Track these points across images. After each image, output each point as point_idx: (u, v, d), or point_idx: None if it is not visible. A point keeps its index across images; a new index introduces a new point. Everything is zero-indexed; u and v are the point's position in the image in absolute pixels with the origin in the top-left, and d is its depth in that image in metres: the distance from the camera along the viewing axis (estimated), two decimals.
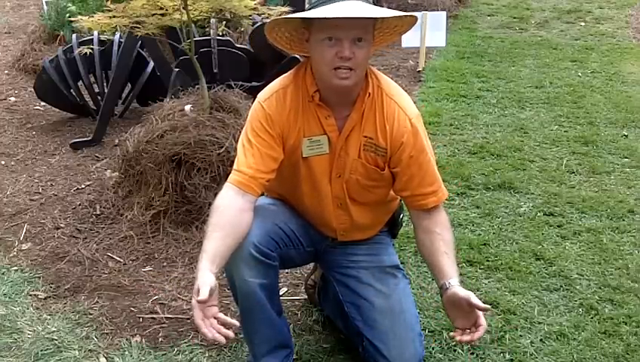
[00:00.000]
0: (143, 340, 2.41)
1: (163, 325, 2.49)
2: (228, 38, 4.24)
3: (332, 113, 2.01)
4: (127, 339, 2.41)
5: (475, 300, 1.87)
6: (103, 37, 4.32)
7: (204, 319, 1.77)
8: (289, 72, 2.05)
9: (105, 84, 4.38)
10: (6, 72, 5.56)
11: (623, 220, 3.16)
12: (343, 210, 2.12)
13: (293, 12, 2.07)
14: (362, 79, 1.98)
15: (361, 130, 2.01)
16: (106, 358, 2.33)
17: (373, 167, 2.04)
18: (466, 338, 1.90)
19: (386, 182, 2.10)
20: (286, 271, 2.68)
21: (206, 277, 1.79)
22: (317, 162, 2.05)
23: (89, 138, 4.12)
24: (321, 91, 1.98)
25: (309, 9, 1.89)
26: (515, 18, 7.12)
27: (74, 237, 3.09)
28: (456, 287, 1.94)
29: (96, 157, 3.95)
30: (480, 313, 1.88)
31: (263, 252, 1.99)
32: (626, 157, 3.83)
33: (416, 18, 1.97)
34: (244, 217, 1.96)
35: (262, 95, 2.05)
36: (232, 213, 1.94)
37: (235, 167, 2.00)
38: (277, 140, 2.00)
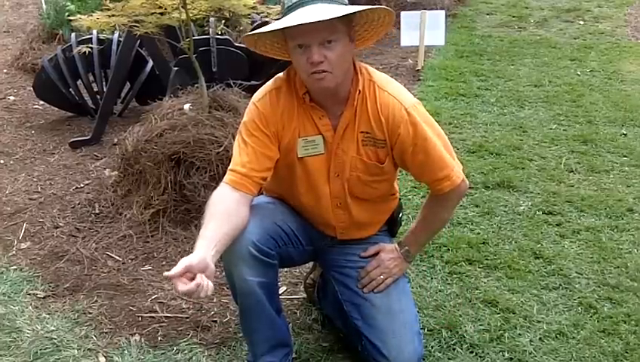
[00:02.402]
0: (142, 339, 2.41)
1: (162, 324, 2.49)
2: (227, 37, 4.24)
3: (326, 113, 2.01)
4: (126, 338, 2.41)
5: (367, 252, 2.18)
6: (102, 36, 4.32)
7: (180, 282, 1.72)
8: (282, 73, 2.06)
9: (104, 83, 4.38)
10: (5, 70, 5.56)
11: (622, 219, 3.16)
12: (342, 208, 2.12)
13: None
14: (347, 78, 1.97)
15: (355, 127, 2.01)
16: (105, 357, 2.33)
17: (373, 162, 2.04)
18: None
19: (387, 176, 2.10)
20: (285, 270, 2.68)
21: (192, 255, 1.76)
22: (313, 162, 2.05)
23: (88, 137, 4.11)
24: (310, 93, 1.99)
25: (281, 19, 1.90)
26: (514, 17, 7.11)
27: (73, 236, 3.09)
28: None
29: (96, 156, 3.95)
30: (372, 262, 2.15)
31: (262, 251, 1.99)
32: (625, 156, 3.83)
33: (386, 9, 1.92)
34: (241, 210, 1.96)
35: (256, 96, 2.06)
36: (227, 204, 1.94)
37: (230, 166, 2.01)
38: (272, 139, 2.01)
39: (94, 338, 2.42)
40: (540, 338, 2.36)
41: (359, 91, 1.99)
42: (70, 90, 4.42)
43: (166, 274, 1.72)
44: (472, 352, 2.30)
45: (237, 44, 4.13)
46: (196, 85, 3.31)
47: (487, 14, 7.30)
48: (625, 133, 4.16)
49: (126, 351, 2.35)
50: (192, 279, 1.72)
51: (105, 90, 4.27)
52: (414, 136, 1.99)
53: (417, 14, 5.29)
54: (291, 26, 1.82)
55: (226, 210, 1.92)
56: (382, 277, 2.13)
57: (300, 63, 1.90)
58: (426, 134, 2.01)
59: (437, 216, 2.18)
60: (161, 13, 3.14)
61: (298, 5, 1.86)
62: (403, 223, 2.40)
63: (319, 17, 1.79)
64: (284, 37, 1.95)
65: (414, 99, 2.05)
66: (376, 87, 2.01)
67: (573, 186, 3.47)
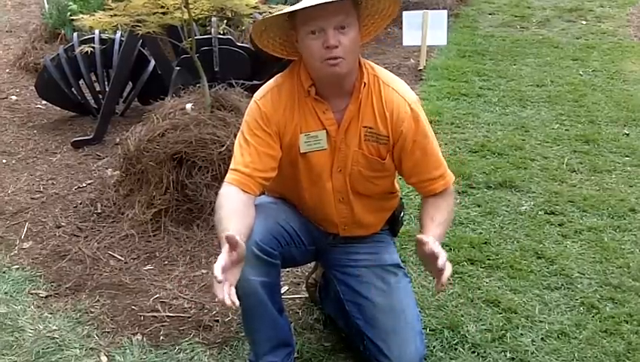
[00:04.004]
0: (144, 338, 2.42)
1: (164, 323, 2.50)
2: (229, 36, 4.24)
3: (330, 107, 2.01)
4: (128, 338, 2.42)
5: (432, 246, 1.80)
6: (104, 35, 4.33)
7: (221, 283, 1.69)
8: (284, 71, 2.06)
9: (106, 82, 4.38)
10: (7, 70, 5.56)
11: (624, 219, 3.15)
12: (345, 204, 2.12)
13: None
14: (355, 68, 1.98)
15: (359, 121, 2.01)
16: (107, 356, 2.33)
17: (375, 158, 2.05)
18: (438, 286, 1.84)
19: (387, 172, 2.10)
20: (287, 269, 2.68)
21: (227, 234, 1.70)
22: (316, 158, 2.05)
23: (90, 136, 4.12)
24: (317, 85, 1.99)
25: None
26: (516, 16, 7.11)
27: (75, 235, 3.10)
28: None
29: (98, 155, 3.95)
30: (439, 258, 1.79)
31: (265, 250, 1.99)
32: (627, 156, 3.83)
33: None
34: (249, 210, 1.96)
35: (257, 94, 2.05)
36: (236, 205, 1.92)
37: (231, 166, 1.99)
38: (274, 138, 2.00)
39: (96, 337, 2.42)
40: (542, 339, 2.36)
41: (364, 84, 1.99)
42: (72, 89, 4.42)
43: (216, 277, 1.65)
44: (473, 352, 2.30)
45: (239, 44, 4.14)
46: (198, 85, 3.31)
47: (490, 14, 7.29)
48: (627, 133, 4.16)
49: (128, 351, 2.35)
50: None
51: (107, 89, 4.27)
52: (416, 132, 2.00)
53: (419, 14, 5.29)
54: (309, 9, 1.82)
55: (237, 210, 1.91)
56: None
57: (313, 50, 1.89)
58: (426, 131, 2.02)
59: (443, 214, 2.05)
60: (164, 13, 3.15)
61: None
62: (405, 223, 2.40)
63: None
64: (291, 29, 1.95)
65: (415, 95, 2.06)
66: (381, 82, 2.01)
67: (575, 186, 3.47)
